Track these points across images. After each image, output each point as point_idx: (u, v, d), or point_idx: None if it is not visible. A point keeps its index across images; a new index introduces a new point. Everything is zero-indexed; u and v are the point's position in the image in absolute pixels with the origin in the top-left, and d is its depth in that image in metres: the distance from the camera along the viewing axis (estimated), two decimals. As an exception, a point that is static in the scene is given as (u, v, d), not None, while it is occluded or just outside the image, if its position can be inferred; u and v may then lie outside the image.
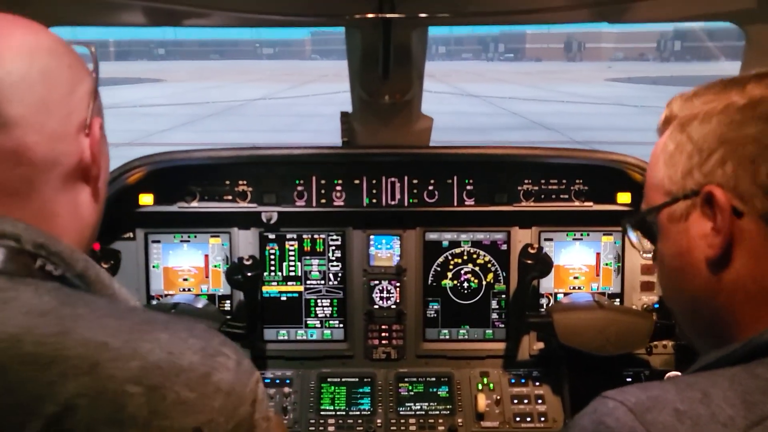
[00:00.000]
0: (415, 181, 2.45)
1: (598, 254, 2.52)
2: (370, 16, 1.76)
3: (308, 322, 2.55)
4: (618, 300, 2.51)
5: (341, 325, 2.55)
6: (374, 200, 2.46)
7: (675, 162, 1.05)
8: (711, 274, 1.02)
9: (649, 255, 1.20)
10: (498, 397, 2.43)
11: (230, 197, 2.44)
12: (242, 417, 0.91)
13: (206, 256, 2.50)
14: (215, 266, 2.50)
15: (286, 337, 2.55)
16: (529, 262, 2.24)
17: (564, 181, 2.46)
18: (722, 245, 0.98)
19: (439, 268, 2.54)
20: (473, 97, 32.06)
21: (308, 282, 2.54)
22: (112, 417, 0.82)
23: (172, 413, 0.84)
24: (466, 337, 2.57)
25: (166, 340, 0.88)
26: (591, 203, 2.46)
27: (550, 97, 31.51)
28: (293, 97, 31.65)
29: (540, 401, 2.44)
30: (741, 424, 0.84)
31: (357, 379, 2.48)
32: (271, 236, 2.51)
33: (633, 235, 1.23)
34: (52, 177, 1.00)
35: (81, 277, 0.97)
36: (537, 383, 2.48)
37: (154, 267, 2.49)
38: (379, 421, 2.38)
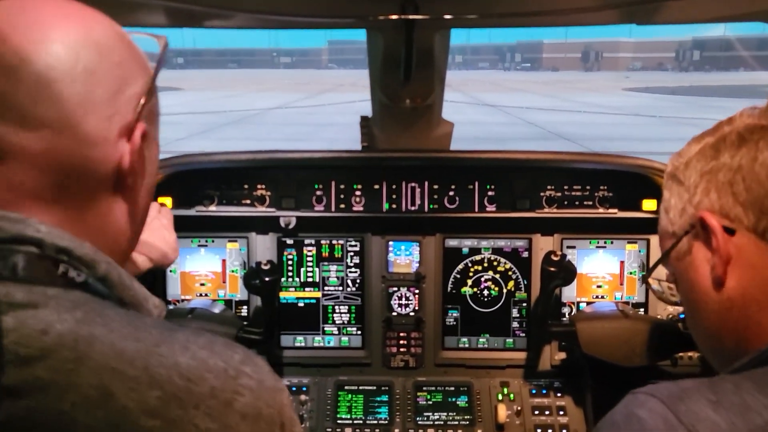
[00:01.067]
0: (435, 187, 2.41)
1: (622, 263, 2.47)
2: (393, 17, 1.73)
3: (326, 328, 2.52)
4: (642, 310, 2.45)
5: (359, 332, 2.52)
6: (394, 205, 2.43)
7: (672, 206, 1.20)
8: (720, 294, 1.11)
9: (678, 301, 1.31)
10: (519, 408, 2.38)
11: (248, 201, 2.42)
12: None
13: (223, 261, 2.48)
14: (232, 271, 2.48)
15: (303, 344, 2.52)
16: (552, 269, 2.19)
17: (588, 187, 2.41)
18: (723, 264, 1.08)
19: (458, 276, 2.50)
20: (489, 106, 32.00)
21: (326, 288, 2.51)
22: None
23: None
24: (486, 345, 2.52)
25: (186, 366, 0.83)
26: (615, 210, 2.41)
27: (567, 107, 31.38)
28: (309, 106, 31.79)
29: (562, 413, 2.38)
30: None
31: (375, 388, 2.44)
32: (289, 241, 2.48)
33: (656, 287, 1.39)
34: (83, 184, 0.93)
35: (103, 280, 0.92)
36: (558, 394, 2.43)
37: (171, 272, 2.47)
38: (396, 430, 2.34)
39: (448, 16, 1.80)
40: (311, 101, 34.82)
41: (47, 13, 0.91)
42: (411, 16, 1.73)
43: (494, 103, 33.72)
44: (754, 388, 0.92)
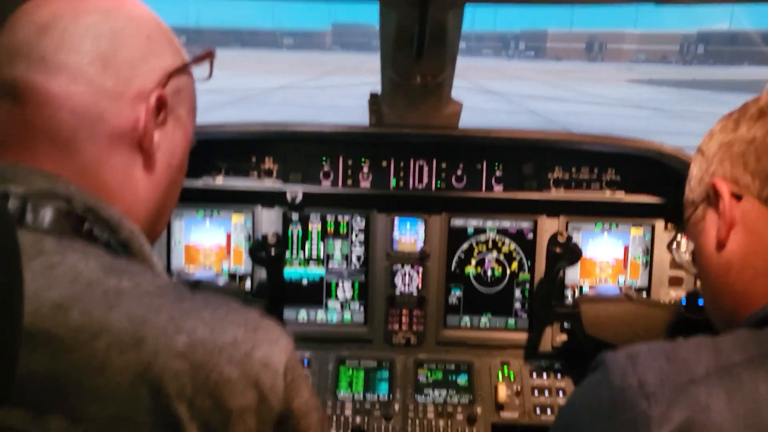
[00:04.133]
0: (443, 165, 2.41)
1: (626, 247, 2.47)
2: (408, -9, 1.71)
3: (329, 304, 2.53)
4: (645, 294, 2.46)
5: (362, 309, 2.53)
6: (401, 183, 2.42)
7: (693, 176, 1.26)
8: (720, 257, 1.16)
9: (694, 270, 1.35)
10: (518, 388, 2.40)
11: (256, 174, 2.41)
12: (281, 391, 0.89)
13: (228, 234, 2.48)
14: (237, 244, 2.48)
15: (305, 319, 2.53)
16: (558, 250, 2.20)
17: (595, 170, 2.41)
18: (726, 227, 1.14)
19: (463, 255, 2.50)
20: (492, 94, 31.88)
21: (330, 264, 2.51)
22: (157, 392, 0.81)
23: (216, 392, 0.84)
24: (488, 325, 2.53)
25: (209, 318, 0.88)
26: (622, 193, 2.41)
27: (569, 97, 31.27)
28: (312, 88, 31.64)
29: (561, 394, 2.40)
30: (723, 363, 0.95)
31: (375, 364, 2.45)
32: (295, 216, 2.48)
33: (676, 255, 1.45)
34: (97, 134, 0.99)
35: (124, 246, 0.96)
36: (559, 375, 2.44)
37: (176, 242, 2.47)
38: (396, 406, 2.35)
39: (463, -9, 1.79)
40: (314, 83, 34.66)
41: None
42: (426, -9, 1.71)
43: (497, 90, 33.60)
44: (713, 347, 0.98)
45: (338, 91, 26.82)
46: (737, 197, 1.13)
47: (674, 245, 1.54)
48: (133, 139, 1.03)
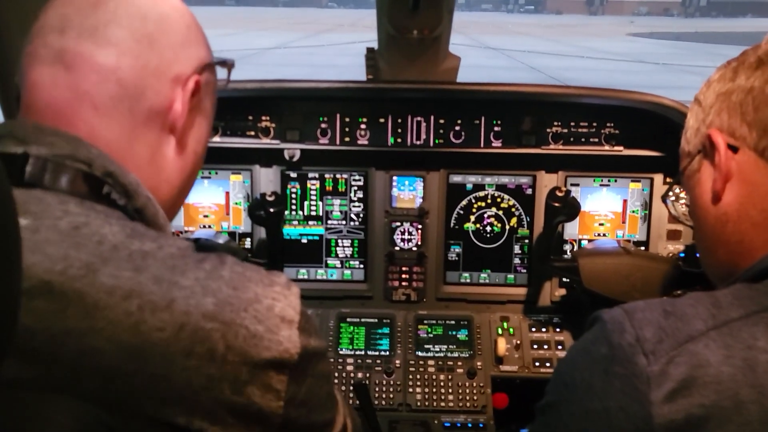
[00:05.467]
0: (441, 121, 2.39)
1: (625, 201, 2.47)
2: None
3: (328, 261, 2.54)
4: (643, 248, 2.47)
5: (362, 266, 2.54)
6: (399, 140, 2.41)
7: (690, 127, 1.24)
8: (717, 209, 1.14)
9: (690, 223, 1.36)
10: (518, 342, 2.42)
11: (253, 133, 2.40)
12: (298, 339, 0.94)
13: (227, 193, 2.47)
14: (236, 203, 2.48)
15: (305, 277, 2.54)
16: (557, 204, 2.20)
17: (594, 124, 2.39)
18: (723, 179, 1.12)
19: (462, 211, 2.50)
20: (492, 50, 31.45)
21: (329, 222, 2.52)
22: (191, 351, 0.84)
23: (244, 348, 0.88)
24: (487, 281, 2.55)
25: (228, 276, 0.92)
26: (621, 148, 2.40)
27: (569, 52, 30.83)
28: (309, 46, 31.16)
29: (560, 347, 2.43)
30: (721, 319, 0.95)
31: (376, 320, 2.48)
32: (293, 175, 2.48)
33: (671, 206, 1.49)
34: (137, 107, 1.04)
35: (140, 212, 1.00)
36: (557, 329, 2.47)
37: (174, 203, 2.47)
38: (397, 362, 2.38)
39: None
40: (311, 41, 34.12)
41: None
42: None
43: (497, 46, 33.13)
44: (711, 302, 0.98)
45: (336, 49, 26.40)
46: (733, 149, 1.11)
47: (670, 197, 1.52)
48: (167, 119, 1.08)
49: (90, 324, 0.81)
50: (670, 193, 1.48)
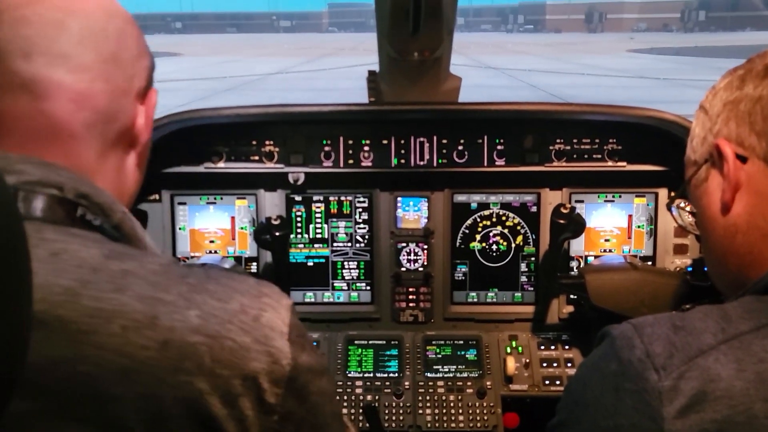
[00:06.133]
0: (444, 141, 2.40)
1: (630, 216, 2.47)
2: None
3: (335, 284, 2.54)
4: (650, 263, 2.46)
5: (368, 288, 2.53)
6: (402, 161, 2.42)
7: (696, 135, 1.22)
8: (726, 219, 1.13)
9: (697, 232, 1.31)
10: (527, 361, 2.41)
11: (257, 158, 2.41)
12: (288, 350, 0.92)
13: (232, 218, 2.48)
14: (242, 228, 2.48)
15: (312, 300, 2.54)
16: (562, 221, 2.20)
17: (597, 140, 2.39)
18: (732, 190, 1.10)
19: (467, 231, 2.50)
20: (492, 69, 31.65)
21: (335, 244, 2.52)
22: (178, 367, 0.83)
23: (232, 360, 0.87)
24: (495, 300, 2.54)
25: (214, 289, 0.91)
26: (624, 163, 2.40)
27: (570, 70, 31.02)
28: (310, 71, 31.46)
29: (570, 365, 2.41)
30: (731, 333, 0.94)
31: (384, 342, 2.47)
32: (298, 198, 2.49)
33: (677, 215, 1.39)
34: (108, 129, 1.04)
35: (117, 228, 0.98)
36: (566, 347, 2.45)
37: (180, 229, 2.48)
38: (407, 383, 2.37)
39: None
40: (312, 66, 34.47)
41: None
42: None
43: (497, 66, 33.35)
44: (720, 316, 0.97)
45: (337, 73, 26.64)
46: (742, 159, 1.09)
47: (677, 203, 1.48)
48: (131, 135, 1.09)
49: (75, 351, 0.81)
50: (675, 202, 1.45)
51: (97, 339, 0.81)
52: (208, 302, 0.89)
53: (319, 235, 2.51)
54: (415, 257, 2.50)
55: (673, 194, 2.41)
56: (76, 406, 0.81)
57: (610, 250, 2.48)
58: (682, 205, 1.39)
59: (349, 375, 2.39)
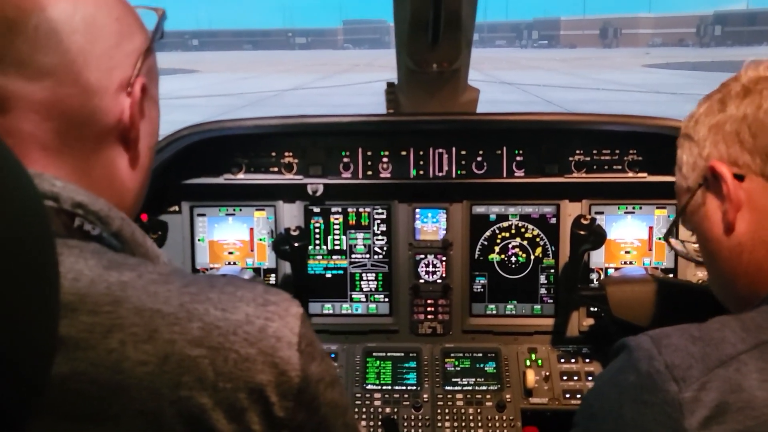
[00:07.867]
0: (463, 152, 2.40)
1: (650, 228, 2.45)
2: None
3: (353, 296, 2.53)
4: (671, 275, 2.43)
5: (386, 300, 2.53)
6: (421, 172, 2.42)
7: (684, 162, 1.24)
8: (731, 239, 1.13)
9: (701, 259, 1.31)
10: (547, 374, 2.38)
11: (276, 169, 2.42)
12: (298, 361, 0.88)
13: (251, 229, 2.49)
14: (260, 239, 2.49)
15: (331, 311, 2.54)
16: (582, 233, 2.18)
17: (617, 151, 2.38)
18: (734, 210, 1.11)
19: (486, 242, 2.49)
20: (507, 84, 31.68)
21: (353, 256, 2.52)
22: (178, 382, 0.80)
23: (236, 373, 0.83)
24: (514, 312, 2.52)
25: (217, 298, 0.86)
26: (645, 174, 2.38)
27: (585, 85, 30.98)
28: (326, 87, 31.67)
29: (590, 378, 2.38)
30: (750, 342, 0.94)
31: (402, 354, 2.45)
32: (316, 209, 2.49)
33: (678, 246, 1.41)
34: (87, 134, 0.95)
35: (116, 235, 0.94)
36: (587, 360, 2.42)
37: (199, 240, 2.49)
38: (425, 396, 2.35)
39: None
40: (328, 82, 34.70)
41: None
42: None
43: (512, 81, 33.38)
44: (739, 326, 0.97)
45: (352, 89, 26.82)
46: (739, 178, 1.10)
47: (674, 234, 1.47)
48: (119, 132, 0.99)
49: (71, 367, 0.78)
50: (673, 231, 1.45)
51: (92, 355, 0.78)
52: (210, 312, 0.84)
53: (337, 247, 2.51)
54: (433, 269, 2.49)
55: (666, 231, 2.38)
56: (70, 427, 0.78)
57: (630, 262, 2.46)
58: (678, 240, 1.40)
59: (367, 387, 2.38)
